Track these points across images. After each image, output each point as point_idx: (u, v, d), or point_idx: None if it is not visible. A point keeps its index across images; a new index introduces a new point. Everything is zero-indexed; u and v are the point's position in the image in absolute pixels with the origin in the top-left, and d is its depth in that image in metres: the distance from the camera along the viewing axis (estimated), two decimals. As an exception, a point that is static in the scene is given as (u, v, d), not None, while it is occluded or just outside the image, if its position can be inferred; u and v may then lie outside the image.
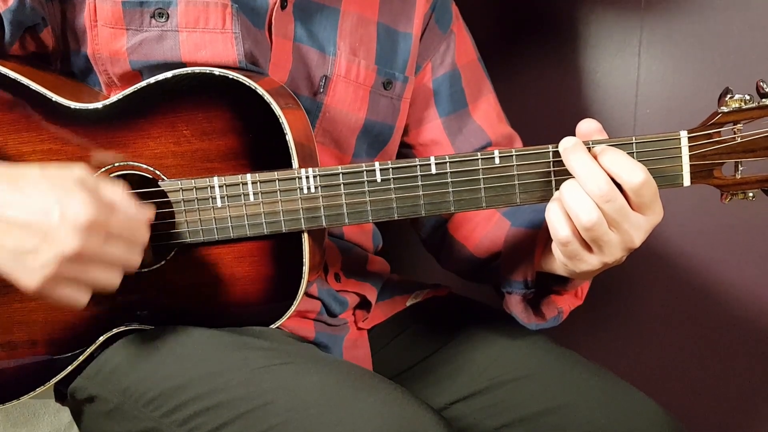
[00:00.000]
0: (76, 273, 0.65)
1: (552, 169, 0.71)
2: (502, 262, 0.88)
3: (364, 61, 0.89)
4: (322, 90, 0.86)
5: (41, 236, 0.63)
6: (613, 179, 0.66)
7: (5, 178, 0.66)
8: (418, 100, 0.97)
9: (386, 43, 0.91)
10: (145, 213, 0.70)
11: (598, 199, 0.66)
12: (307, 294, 0.86)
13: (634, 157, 0.69)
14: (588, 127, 0.70)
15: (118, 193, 0.68)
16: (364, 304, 0.96)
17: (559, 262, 0.74)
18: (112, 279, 0.68)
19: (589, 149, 0.69)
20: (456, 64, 0.98)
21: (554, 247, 0.73)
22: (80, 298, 0.67)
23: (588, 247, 0.69)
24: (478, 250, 0.93)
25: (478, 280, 0.96)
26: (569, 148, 0.68)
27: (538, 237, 0.83)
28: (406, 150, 1.00)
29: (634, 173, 0.66)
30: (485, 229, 0.92)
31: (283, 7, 0.82)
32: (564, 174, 0.70)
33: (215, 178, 0.74)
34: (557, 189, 0.71)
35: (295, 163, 0.74)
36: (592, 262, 0.70)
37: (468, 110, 0.98)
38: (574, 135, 0.71)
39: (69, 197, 0.64)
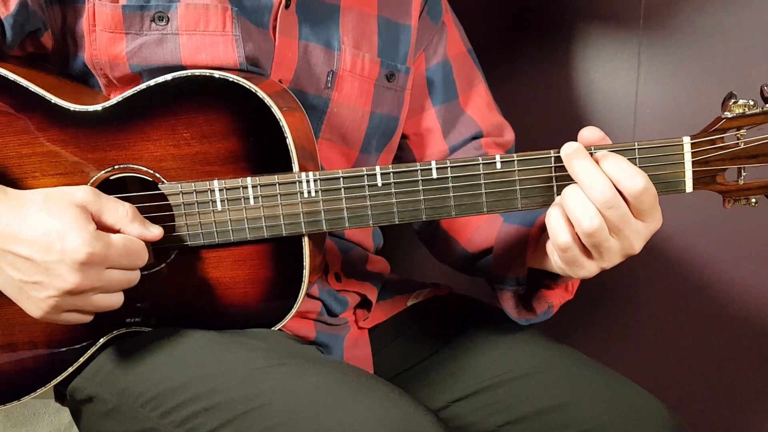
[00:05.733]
0: (78, 302, 0.69)
1: (554, 174, 0.70)
2: (494, 258, 0.88)
3: (368, 54, 0.89)
4: (329, 86, 0.86)
5: (43, 271, 0.67)
6: (613, 185, 0.66)
7: (8, 209, 0.68)
8: (413, 89, 0.97)
9: (387, 35, 0.92)
10: (149, 233, 0.73)
11: (600, 205, 0.65)
12: (307, 294, 0.86)
13: (636, 163, 0.68)
14: (590, 134, 0.70)
15: (122, 216, 0.71)
16: (364, 304, 0.96)
17: (556, 266, 0.74)
18: (113, 300, 0.72)
19: (590, 154, 0.68)
20: (447, 56, 0.99)
21: (550, 251, 0.73)
22: (83, 319, 0.72)
23: (587, 253, 0.69)
24: (470, 245, 0.93)
25: (471, 273, 0.96)
26: (572, 154, 0.68)
27: (529, 236, 0.83)
28: (401, 140, 1.01)
29: (634, 180, 0.65)
30: (477, 224, 0.92)
31: (287, 6, 0.82)
32: (566, 179, 0.69)
33: (215, 182, 0.74)
34: (559, 194, 0.70)
35: (296, 167, 0.74)
36: (590, 268, 0.70)
37: (459, 101, 0.99)
38: (574, 138, 0.70)
39: (69, 231, 0.67)
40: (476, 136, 0.99)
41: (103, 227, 0.70)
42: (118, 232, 0.71)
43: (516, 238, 0.85)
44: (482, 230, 0.91)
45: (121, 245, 0.69)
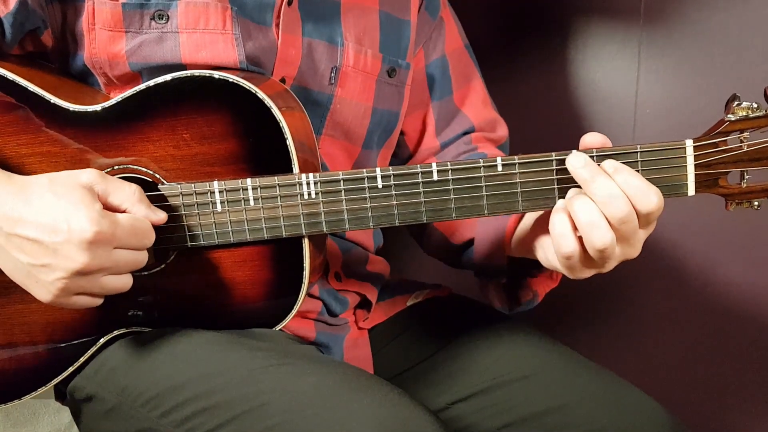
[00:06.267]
0: (87, 283, 0.68)
1: (555, 177, 0.70)
2: (476, 249, 0.89)
3: (370, 50, 0.89)
4: (333, 82, 0.86)
5: (51, 253, 0.66)
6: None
7: (13, 192, 0.68)
8: (415, 86, 0.98)
9: (389, 30, 0.92)
10: (154, 216, 0.72)
11: (616, 221, 0.66)
12: (307, 294, 0.86)
13: (638, 166, 0.69)
14: (593, 140, 0.70)
15: (129, 195, 0.70)
16: (364, 304, 0.96)
17: (548, 265, 0.74)
18: (122, 282, 0.71)
19: (594, 160, 0.68)
20: (445, 51, 0.99)
21: (542, 247, 0.74)
22: (93, 303, 0.71)
23: (589, 261, 0.69)
24: (454, 236, 0.94)
25: (459, 266, 0.97)
26: (583, 168, 0.68)
27: (507, 226, 0.83)
28: (398, 137, 1.01)
29: (650, 199, 0.66)
30: None
31: (289, 3, 0.82)
32: (567, 182, 0.70)
33: (215, 183, 0.74)
34: (560, 196, 0.70)
35: (296, 168, 0.74)
36: (588, 273, 0.71)
37: (453, 97, 0.99)
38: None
39: (75, 211, 0.66)
40: (468, 132, 1.00)
41: (109, 207, 0.70)
42: (124, 212, 0.71)
43: (494, 228, 0.86)
44: (466, 222, 0.92)
45: (128, 224, 0.69)
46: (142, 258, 0.71)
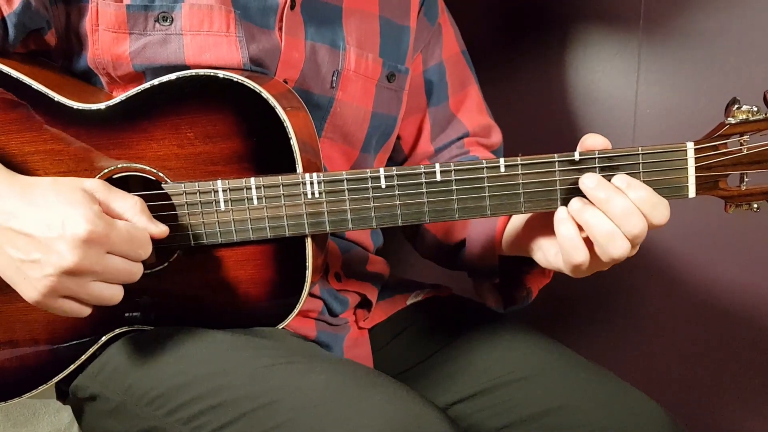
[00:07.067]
0: (76, 286, 0.67)
1: (558, 178, 0.71)
2: (467, 250, 0.90)
3: (371, 54, 0.90)
4: (334, 85, 0.87)
5: (43, 248, 0.65)
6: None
7: (17, 189, 0.68)
8: (413, 91, 0.98)
9: (389, 36, 0.92)
10: (154, 228, 0.71)
11: (632, 236, 0.67)
12: (309, 293, 0.86)
13: (639, 168, 0.69)
14: (593, 142, 0.70)
15: (130, 206, 0.70)
16: (364, 304, 0.96)
17: (550, 266, 0.75)
18: (112, 292, 0.69)
19: (608, 178, 0.69)
20: (442, 57, 1.00)
21: (540, 248, 0.75)
22: (81, 310, 0.69)
23: (596, 264, 0.70)
24: (447, 238, 0.95)
25: (453, 266, 0.97)
26: (598, 189, 0.69)
27: (497, 225, 0.84)
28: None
29: (661, 212, 0.68)
30: None
31: (292, 7, 0.82)
32: (569, 183, 0.70)
33: (218, 182, 0.74)
34: (562, 198, 0.71)
35: (299, 168, 0.74)
36: (591, 273, 0.72)
37: (449, 103, 1.00)
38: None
39: (71, 209, 0.66)
40: (462, 137, 1.00)
41: (110, 215, 0.69)
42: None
43: (484, 228, 0.87)
44: (458, 222, 0.92)
45: (124, 230, 0.68)
46: (135, 270, 0.70)
